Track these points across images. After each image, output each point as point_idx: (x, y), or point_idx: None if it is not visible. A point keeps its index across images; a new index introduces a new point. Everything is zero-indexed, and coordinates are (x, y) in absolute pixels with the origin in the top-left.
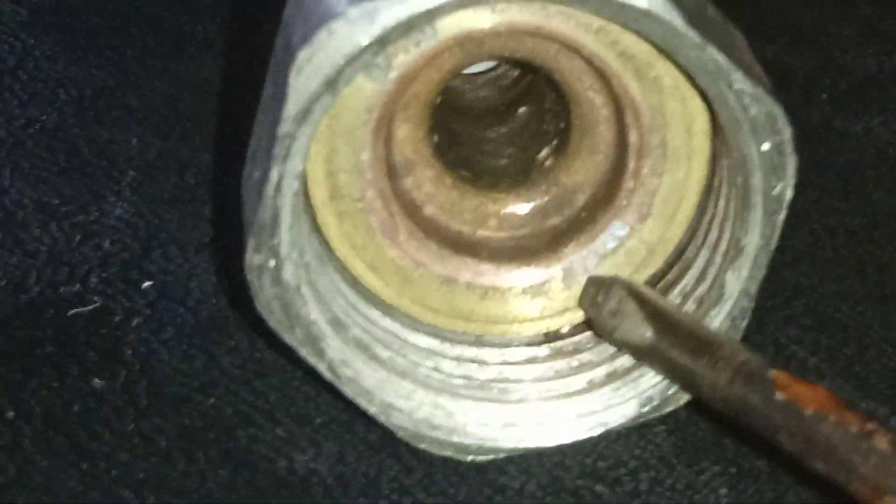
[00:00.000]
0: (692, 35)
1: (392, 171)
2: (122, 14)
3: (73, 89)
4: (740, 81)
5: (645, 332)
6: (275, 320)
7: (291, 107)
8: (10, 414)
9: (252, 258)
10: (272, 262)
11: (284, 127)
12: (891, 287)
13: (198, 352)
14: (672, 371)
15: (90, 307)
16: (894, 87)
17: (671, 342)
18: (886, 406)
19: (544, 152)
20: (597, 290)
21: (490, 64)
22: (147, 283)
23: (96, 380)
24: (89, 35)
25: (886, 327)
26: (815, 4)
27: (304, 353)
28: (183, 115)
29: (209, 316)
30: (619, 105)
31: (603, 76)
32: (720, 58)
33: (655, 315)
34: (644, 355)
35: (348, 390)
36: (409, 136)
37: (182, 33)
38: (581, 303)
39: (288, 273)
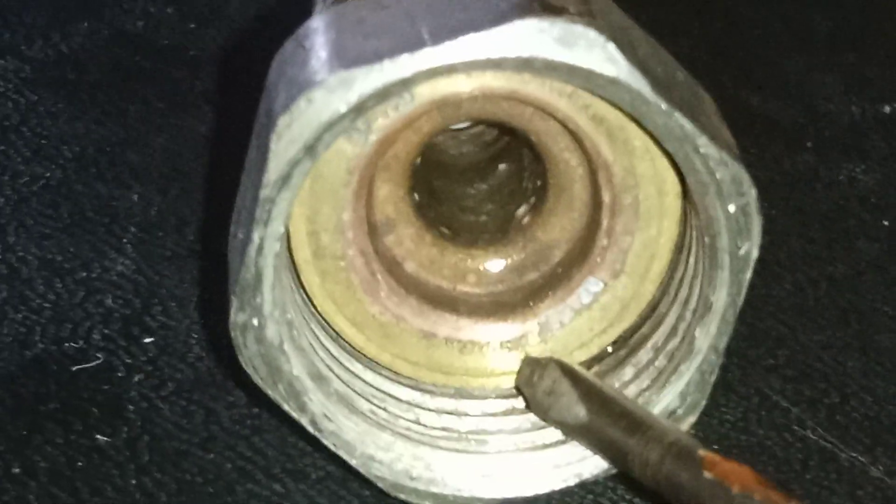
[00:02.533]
0: (659, 102)
1: (373, 230)
2: (124, 69)
3: (75, 146)
4: (706, 146)
5: (579, 412)
6: (258, 377)
7: (272, 172)
8: (16, 469)
9: (236, 317)
10: (255, 321)
11: (266, 191)
12: (872, 337)
13: (197, 408)
14: (605, 449)
15: (93, 363)
16: (877, 135)
17: (604, 421)
18: (867, 455)
19: (522, 209)
20: (532, 371)
21: None
22: (148, 339)
23: (99, 436)
24: (91, 91)
25: (867, 377)
26: (800, 54)
27: (288, 407)
28: (182, 171)
29: (208, 372)
30: (592, 165)
31: (576, 138)
32: (686, 124)
33: (589, 394)
34: (578, 434)
35: (330, 443)
36: (389, 196)
37: (182, 88)
38: (517, 382)
39: (271, 331)
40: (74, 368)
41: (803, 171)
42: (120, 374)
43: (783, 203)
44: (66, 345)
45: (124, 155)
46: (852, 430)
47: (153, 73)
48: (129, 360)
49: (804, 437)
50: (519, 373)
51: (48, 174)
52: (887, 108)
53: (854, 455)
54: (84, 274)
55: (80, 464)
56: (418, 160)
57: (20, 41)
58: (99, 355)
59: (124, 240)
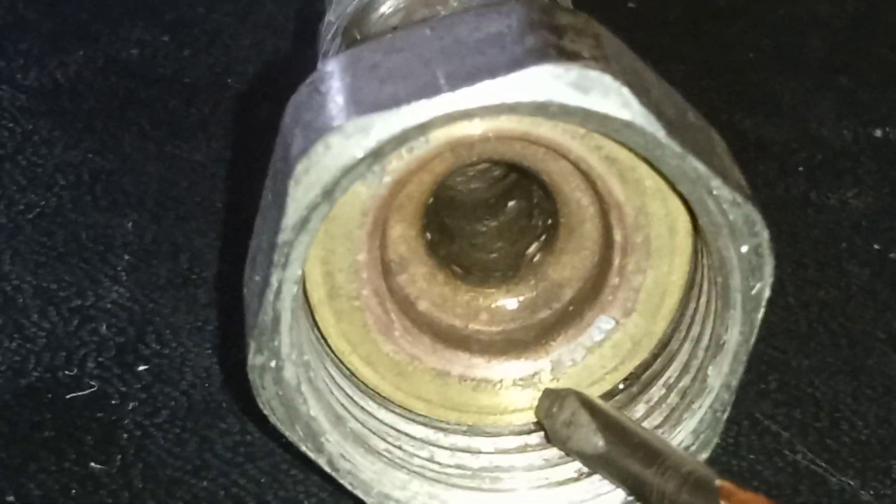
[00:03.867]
0: (673, 145)
1: (387, 269)
2: (119, 98)
3: (70, 174)
4: (719, 188)
5: (597, 442)
6: (276, 418)
7: (290, 216)
8: (10, 498)
9: (254, 359)
10: (273, 363)
11: (284, 235)
12: (863, 361)
13: (191, 435)
14: (623, 479)
15: (87, 391)
16: (869, 159)
17: (622, 451)
18: (857, 479)
19: (533, 248)
20: (551, 402)
21: None
22: (142, 367)
23: (93, 463)
24: (86, 119)
25: (858, 401)
26: (792, 77)
27: (305, 448)
28: (177, 198)
29: (202, 399)
30: (603, 205)
31: (588, 177)
32: (700, 166)
33: (607, 425)
34: (596, 464)
35: (347, 482)
36: (403, 235)
37: (177, 117)
38: (536, 414)
39: (288, 372)
40: (68, 396)
41: (795, 194)
42: (114, 402)
43: (774, 227)
44: (61, 373)
45: (119, 183)
46: (843, 454)
47: (148, 102)
48: (123, 388)
49: (794, 461)
50: (538, 404)
51: (43, 202)
52: (879, 132)
53: (844, 479)
54: (78, 302)
55: (73, 491)
56: (430, 199)
57: (16, 70)
58: (93, 383)
59: (119, 268)
